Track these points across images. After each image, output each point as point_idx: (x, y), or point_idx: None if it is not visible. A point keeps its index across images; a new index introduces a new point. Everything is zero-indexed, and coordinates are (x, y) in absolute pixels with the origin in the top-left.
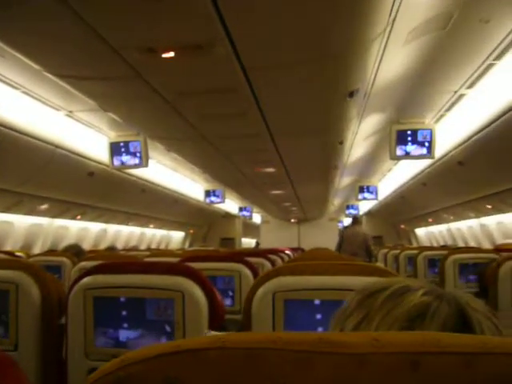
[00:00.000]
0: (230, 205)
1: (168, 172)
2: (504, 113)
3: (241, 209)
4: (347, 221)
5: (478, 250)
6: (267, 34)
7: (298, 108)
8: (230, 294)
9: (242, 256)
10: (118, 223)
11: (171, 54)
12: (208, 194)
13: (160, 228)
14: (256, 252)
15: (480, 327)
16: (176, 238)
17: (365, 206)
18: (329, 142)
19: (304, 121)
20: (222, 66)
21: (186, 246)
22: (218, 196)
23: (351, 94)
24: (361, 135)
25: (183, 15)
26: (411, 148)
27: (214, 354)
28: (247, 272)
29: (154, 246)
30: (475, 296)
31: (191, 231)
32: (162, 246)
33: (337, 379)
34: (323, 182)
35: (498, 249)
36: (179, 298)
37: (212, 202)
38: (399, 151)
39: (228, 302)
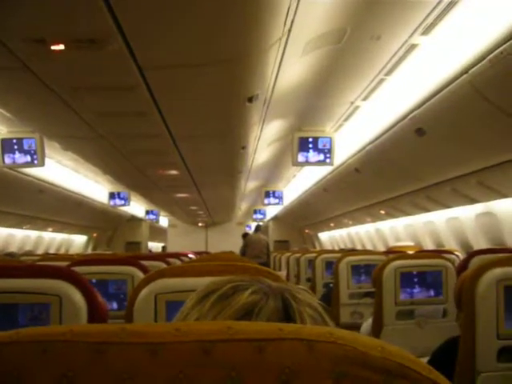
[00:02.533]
0: (136, 208)
1: (69, 173)
2: (394, 124)
3: (147, 212)
4: (255, 225)
5: (370, 252)
6: (161, 33)
7: (198, 111)
8: (122, 297)
9: (137, 259)
10: (10, 226)
11: (61, 47)
12: (112, 196)
13: (60, 231)
14: (154, 255)
15: (301, 317)
16: (78, 242)
17: (271, 210)
18: (231, 147)
19: (205, 124)
20: (117, 63)
21: (89, 250)
22: (122, 198)
23: (251, 99)
24: (264, 141)
25: (73, 6)
26: (312, 155)
27: (8, 348)
28: (140, 275)
29: (52, 251)
30: (368, 296)
31: (94, 235)
32: (62, 251)
33: (129, 370)
34: (229, 187)
35: (389, 251)
36: (56, 303)
37: (116, 205)
38: (301, 157)
39: (120, 305)
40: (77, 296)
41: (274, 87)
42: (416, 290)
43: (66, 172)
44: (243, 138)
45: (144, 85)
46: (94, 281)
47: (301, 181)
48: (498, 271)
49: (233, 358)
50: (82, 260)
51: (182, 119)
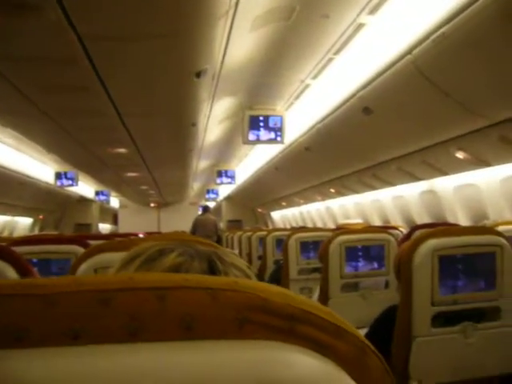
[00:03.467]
0: (86, 188)
1: (10, 151)
2: (343, 103)
3: (97, 193)
4: (210, 204)
5: (319, 229)
6: (100, 2)
7: (144, 86)
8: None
9: (84, 239)
10: None
11: None
12: (59, 176)
13: (2, 214)
14: (103, 235)
15: (226, 276)
16: (23, 224)
17: (224, 190)
18: (181, 124)
19: (152, 100)
20: (55, 33)
21: (35, 232)
22: (70, 179)
23: (198, 74)
24: (215, 118)
25: None
26: (263, 133)
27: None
28: None
29: None
30: (317, 272)
31: (41, 217)
32: (6, 234)
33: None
34: (180, 165)
35: (337, 228)
36: None
37: (64, 185)
38: (251, 136)
39: None
40: (11, 274)
41: (222, 62)
42: (360, 263)
43: (6, 150)
44: (193, 115)
45: (86, 57)
46: (35, 260)
47: (253, 160)
48: (433, 242)
49: (133, 307)
50: (24, 240)
51: (128, 94)
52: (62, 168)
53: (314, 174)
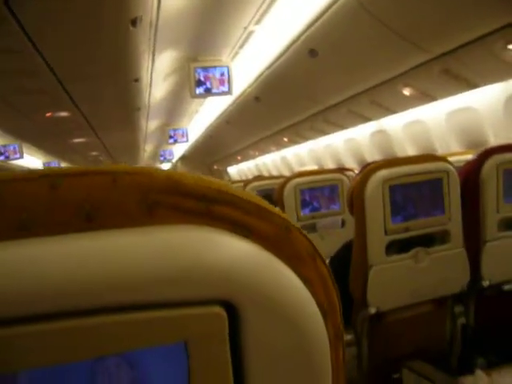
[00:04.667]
0: (33, 161)
1: None
2: (288, 47)
3: (45, 165)
4: (165, 166)
5: (273, 177)
6: None
7: (80, 41)
8: None
9: None
10: None
11: None
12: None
13: None
14: None
15: None
16: None
17: (179, 150)
18: (123, 80)
19: (89, 56)
20: None
21: None
22: (13, 152)
23: (134, 23)
24: (159, 73)
25: None
26: (210, 85)
27: None
28: None
29: None
30: None
31: None
32: None
33: None
34: (128, 126)
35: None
36: None
37: (7, 159)
38: (199, 89)
39: None
40: None
41: (158, 9)
42: (316, 204)
43: None
44: (134, 69)
45: (12, 17)
46: None
47: (204, 116)
48: (383, 172)
49: (23, 199)
50: None
51: (61, 51)
52: (2, 141)
53: (267, 124)
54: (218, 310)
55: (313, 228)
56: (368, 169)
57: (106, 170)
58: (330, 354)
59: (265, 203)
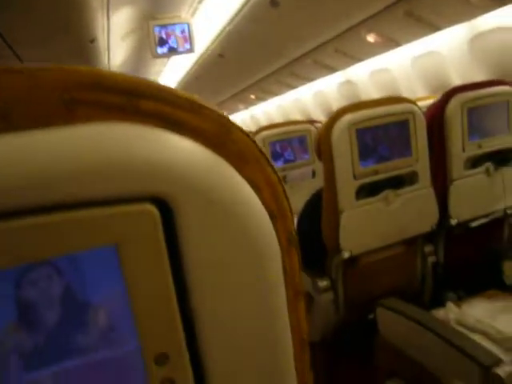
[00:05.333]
0: None
1: None
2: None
3: None
4: None
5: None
6: None
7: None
8: None
9: None
10: None
11: None
12: None
13: None
14: None
15: None
16: None
17: None
18: (77, 40)
19: (39, 16)
20: None
21: None
22: None
23: None
24: (117, 34)
25: None
26: (171, 44)
27: None
28: None
29: None
30: None
31: None
32: None
33: None
34: None
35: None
36: None
37: None
38: (160, 49)
39: None
40: None
41: None
42: (286, 155)
43: None
44: (89, 29)
45: None
46: None
47: (168, 76)
48: (349, 116)
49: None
50: None
51: (10, 14)
52: None
53: (233, 81)
54: (149, 208)
55: (283, 180)
56: (334, 113)
57: (19, 68)
58: (282, 259)
59: (198, 98)
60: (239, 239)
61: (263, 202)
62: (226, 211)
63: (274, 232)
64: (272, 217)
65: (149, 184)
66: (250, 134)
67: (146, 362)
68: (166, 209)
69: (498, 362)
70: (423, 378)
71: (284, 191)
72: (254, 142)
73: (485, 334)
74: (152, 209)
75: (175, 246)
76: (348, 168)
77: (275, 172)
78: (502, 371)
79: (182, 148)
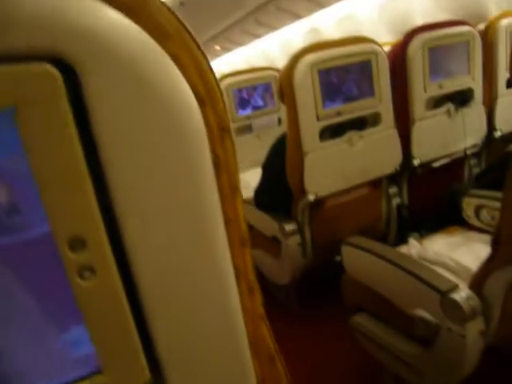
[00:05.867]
0: None
1: None
2: None
3: None
4: None
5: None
6: None
7: None
8: None
9: None
10: None
11: None
12: None
13: None
14: None
15: None
16: None
17: None
18: None
19: None
20: None
21: None
22: None
23: None
24: None
25: None
26: None
27: None
28: None
29: None
30: None
31: None
32: None
33: None
34: None
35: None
36: None
37: None
38: None
39: None
40: None
41: None
42: (253, 102)
43: None
44: None
45: None
46: None
47: None
48: (310, 57)
49: None
50: None
51: None
52: None
53: (196, 31)
54: (49, 68)
55: (249, 129)
56: (295, 54)
57: None
58: (211, 145)
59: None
60: (160, 120)
61: (189, 82)
62: (146, 86)
63: (200, 115)
64: (199, 100)
65: (46, 39)
66: None
67: (59, 246)
68: (74, 75)
69: (455, 287)
70: (388, 310)
71: (214, 77)
72: (176, 15)
73: (444, 265)
74: (52, 69)
75: (88, 120)
76: (311, 109)
77: (203, 52)
78: (458, 296)
79: (91, 8)
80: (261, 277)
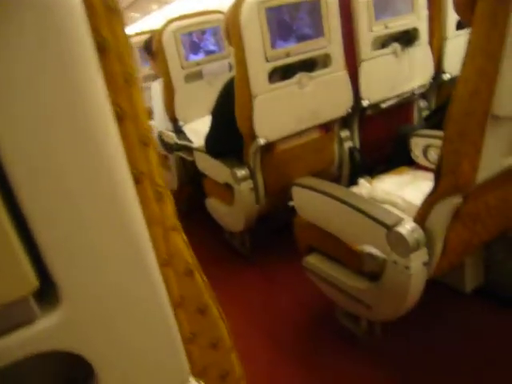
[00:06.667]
0: None
1: None
2: None
3: None
4: None
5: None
6: None
7: None
8: None
9: None
10: None
11: None
12: None
13: None
14: None
15: None
16: None
17: None
18: None
19: None
20: None
21: None
22: None
23: None
24: None
25: None
26: None
27: None
28: None
29: None
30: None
31: None
32: None
33: None
34: None
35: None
36: None
37: None
38: None
39: None
40: None
41: None
42: (203, 47)
43: None
44: None
45: None
46: None
47: None
48: None
49: None
50: None
51: None
52: None
53: None
54: None
55: (199, 76)
56: None
57: None
58: (113, 96)
59: None
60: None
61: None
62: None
63: (99, 66)
64: (101, 49)
65: None
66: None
67: None
68: None
69: (400, 221)
70: (338, 249)
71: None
72: None
73: (393, 204)
74: None
75: None
76: (259, 50)
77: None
78: (402, 229)
79: None
80: (216, 226)
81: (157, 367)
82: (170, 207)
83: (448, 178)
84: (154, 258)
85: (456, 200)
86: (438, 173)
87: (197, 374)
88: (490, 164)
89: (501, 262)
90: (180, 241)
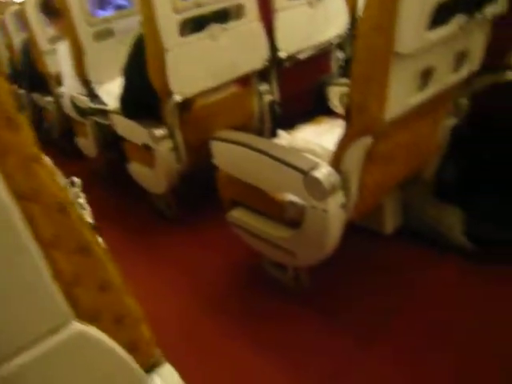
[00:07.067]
0: None
1: None
2: None
3: None
4: None
5: None
6: None
7: None
8: None
9: None
10: None
11: None
12: None
13: None
14: None
15: None
16: None
17: None
18: None
19: None
20: None
21: None
22: None
23: None
24: None
25: None
26: None
27: None
28: None
29: None
30: None
31: None
32: None
33: None
34: None
35: None
36: None
37: None
38: None
39: None
40: None
41: None
42: (110, 2)
43: None
44: None
45: None
46: None
47: None
48: None
49: None
50: None
51: None
52: None
53: None
54: None
55: (110, 34)
56: None
57: None
58: None
59: None
60: None
61: None
62: None
63: None
64: None
65: None
66: None
67: None
68: None
69: (316, 165)
70: (260, 200)
71: None
72: None
73: (312, 152)
74: None
75: None
76: (167, 2)
77: None
78: (318, 173)
79: None
80: (141, 190)
81: (27, 310)
82: (27, 135)
83: (357, 119)
84: (6, 193)
85: (367, 141)
86: (348, 115)
87: (88, 319)
88: (397, 103)
89: (417, 205)
90: (45, 174)
